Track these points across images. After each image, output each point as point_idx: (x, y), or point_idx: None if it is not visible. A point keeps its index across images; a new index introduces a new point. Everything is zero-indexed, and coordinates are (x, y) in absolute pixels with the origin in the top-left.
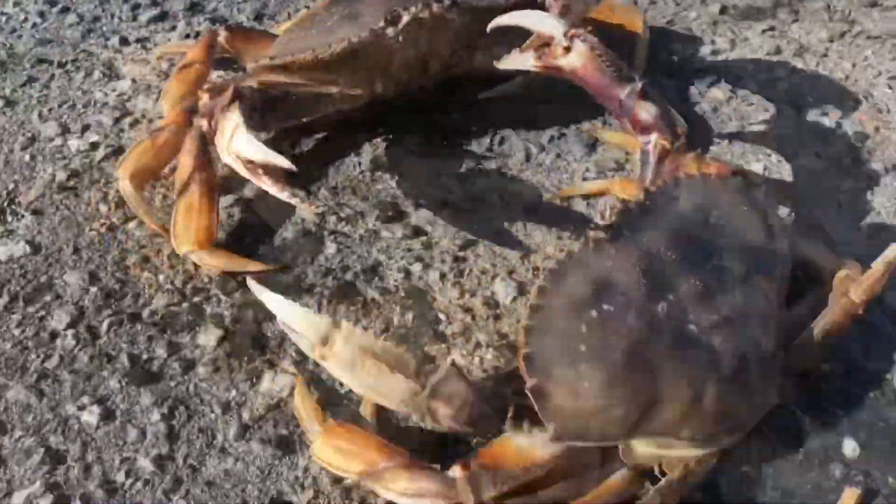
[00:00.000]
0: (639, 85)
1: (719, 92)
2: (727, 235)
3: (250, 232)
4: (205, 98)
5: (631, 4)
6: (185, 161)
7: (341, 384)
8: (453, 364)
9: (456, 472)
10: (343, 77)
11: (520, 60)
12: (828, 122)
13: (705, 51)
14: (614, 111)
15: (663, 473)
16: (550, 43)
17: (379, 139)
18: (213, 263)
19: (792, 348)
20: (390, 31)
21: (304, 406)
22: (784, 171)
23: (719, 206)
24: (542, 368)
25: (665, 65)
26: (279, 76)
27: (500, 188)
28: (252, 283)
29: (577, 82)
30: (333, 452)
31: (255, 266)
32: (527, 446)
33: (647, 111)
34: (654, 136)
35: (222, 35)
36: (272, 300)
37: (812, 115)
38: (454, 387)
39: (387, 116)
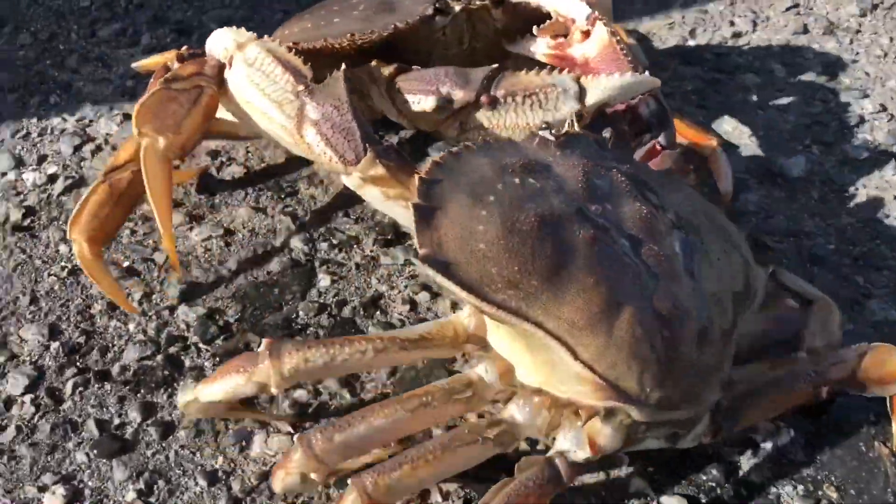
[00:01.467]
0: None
1: (745, 78)
2: (699, 213)
3: (230, 263)
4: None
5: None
6: (128, 146)
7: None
8: None
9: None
10: None
11: (532, 46)
12: (869, 105)
13: (725, 34)
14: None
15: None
16: (568, 33)
17: None
18: (88, 269)
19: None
20: (439, 19)
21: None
22: (827, 164)
23: (688, 191)
24: (438, 195)
25: (685, 52)
26: None
27: None
28: None
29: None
30: None
31: (117, 296)
32: None
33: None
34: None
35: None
36: None
37: (846, 97)
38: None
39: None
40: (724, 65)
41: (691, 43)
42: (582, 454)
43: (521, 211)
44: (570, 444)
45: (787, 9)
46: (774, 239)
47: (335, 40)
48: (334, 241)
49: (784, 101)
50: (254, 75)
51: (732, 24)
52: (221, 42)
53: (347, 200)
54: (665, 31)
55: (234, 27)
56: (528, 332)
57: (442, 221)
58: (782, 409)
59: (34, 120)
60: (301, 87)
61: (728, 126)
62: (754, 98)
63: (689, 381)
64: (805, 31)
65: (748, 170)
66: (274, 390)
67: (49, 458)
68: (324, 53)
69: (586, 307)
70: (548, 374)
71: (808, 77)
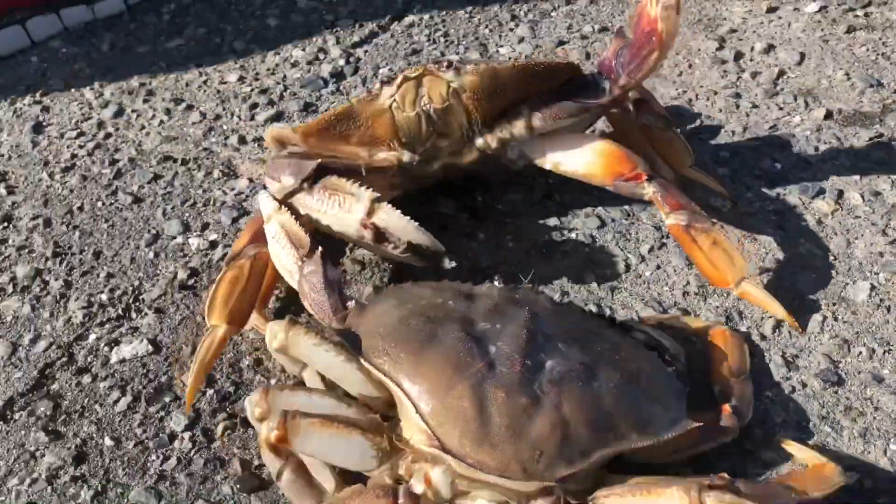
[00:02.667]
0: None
1: (823, 203)
2: (590, 348)
3: None
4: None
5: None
6: (245, 234)
7: None
8: None
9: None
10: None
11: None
12: None
13: (809, 159)
14: None
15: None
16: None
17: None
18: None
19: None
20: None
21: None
22: (892, 291)
23: (622, 344)
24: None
25: (767, 174)
26: None
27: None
28: None
29: None
30: None
31: None
32: None
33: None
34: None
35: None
36: None
37: None
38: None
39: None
40: (806, 190)
41: (776, 166)
42: (419, 487)
43: (422, 315)
44: (414, 479)
45: (871, 139)
46: (835, 358)
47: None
48: None
49: (858, 228)
50: (274, 246)
51: (817, 149)
52: (262, 208)
53: None
54: (753, 151)
55: (268, 197)
56: (392, 389)
57: (365, 314)
58: None
59: (200, 191)
60: (299, 264)
61: (803, 249)
62: (830, 222)
63: (507, 459)
64: (884, 162)
65: (816, 292)
66: None
67: (201, 487)
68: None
69: (433, 377)
70: (407, 427)
71: (885, 206)
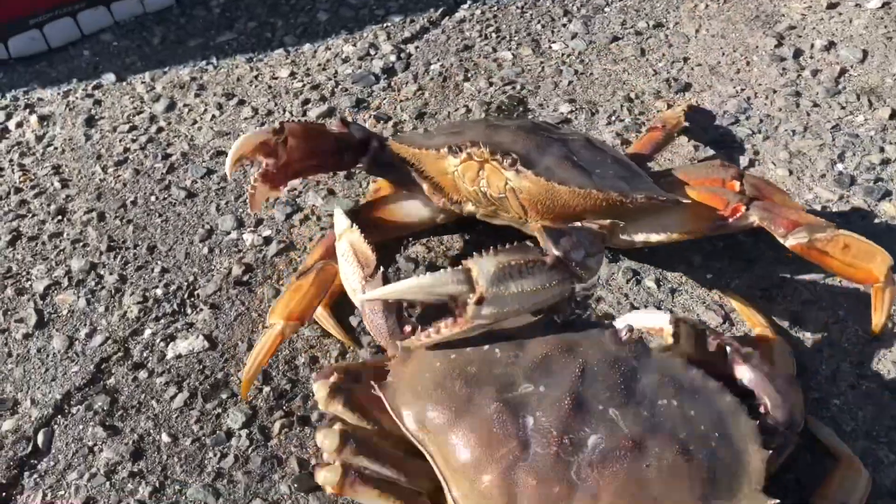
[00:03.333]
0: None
1: (890, 206)
2: (657, 412)
3: None
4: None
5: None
6: (317, 249)
7: None
8: None
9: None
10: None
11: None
12: None
13: (874, 159)
14: None
15: None
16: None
17: None
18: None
19: None
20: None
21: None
22: None
23: (687, 393)
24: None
25: (834, 176)
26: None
27: None
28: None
29: None
30: None
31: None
32: None
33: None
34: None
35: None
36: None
37: None
38: None
39: None
40: (871, 192)
41: (839, 167)
42: None
43: (462, 371)
44: None
45: None
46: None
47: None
48: None
49: None
50: (342, 264)
51: (882, 149)
52: (336, 225)
53: None
54: (815, 151)
55: (342, 214)
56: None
57: (410, 362)
58: None
59: None
60: (362, 283)
61: None
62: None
63: None
64: None
65: None
66: None
67: (259, 486)
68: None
69: (464, 458)
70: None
71: None
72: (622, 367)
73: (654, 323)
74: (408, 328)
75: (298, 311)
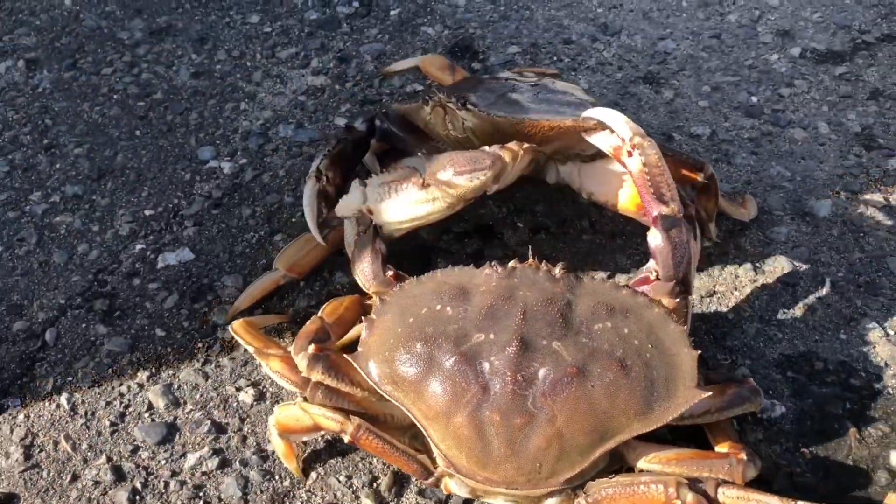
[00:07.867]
0: (668, 216)
1: (794, 132)
2: (597, 334)
3: None
4: None
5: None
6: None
7: None
8: None
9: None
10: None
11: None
12: (894, 163)
13: (782, 93)
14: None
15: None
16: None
17: None
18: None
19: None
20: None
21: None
22: (850, 208)
23: (619, 314)
24: (383, 311)
25: (744, 105)
26: None
27: None
28: None
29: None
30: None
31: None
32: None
33: (657, 241)
34: (651, 264)
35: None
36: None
37: (877, 155)
38: None
39: None
40: (778, 119)
41: (753, 99)
42: (439, 493)
43: (421, 333)
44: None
45: (840, 75)
46: (797, 264)
47: None
48: None
49: (823, 153)
50: (346, 224)
51: (790, 84)
52: (350, 207)
53: None
54: (732, 87)
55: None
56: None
57: (374, 331)
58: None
59: (229, 121)
60: (356, 238)
61: (773, 171)
62: (798, 149)
63: (510, 475)
64: (850, 95)
65: (784, 208)
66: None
67: (243, 369)
68: None
69: (435, 407)
70: (429, 447)
71: (847, 135)
72: (559, 302)
73: (614, 127)
74: (390, 273)
75: (299, 266)
